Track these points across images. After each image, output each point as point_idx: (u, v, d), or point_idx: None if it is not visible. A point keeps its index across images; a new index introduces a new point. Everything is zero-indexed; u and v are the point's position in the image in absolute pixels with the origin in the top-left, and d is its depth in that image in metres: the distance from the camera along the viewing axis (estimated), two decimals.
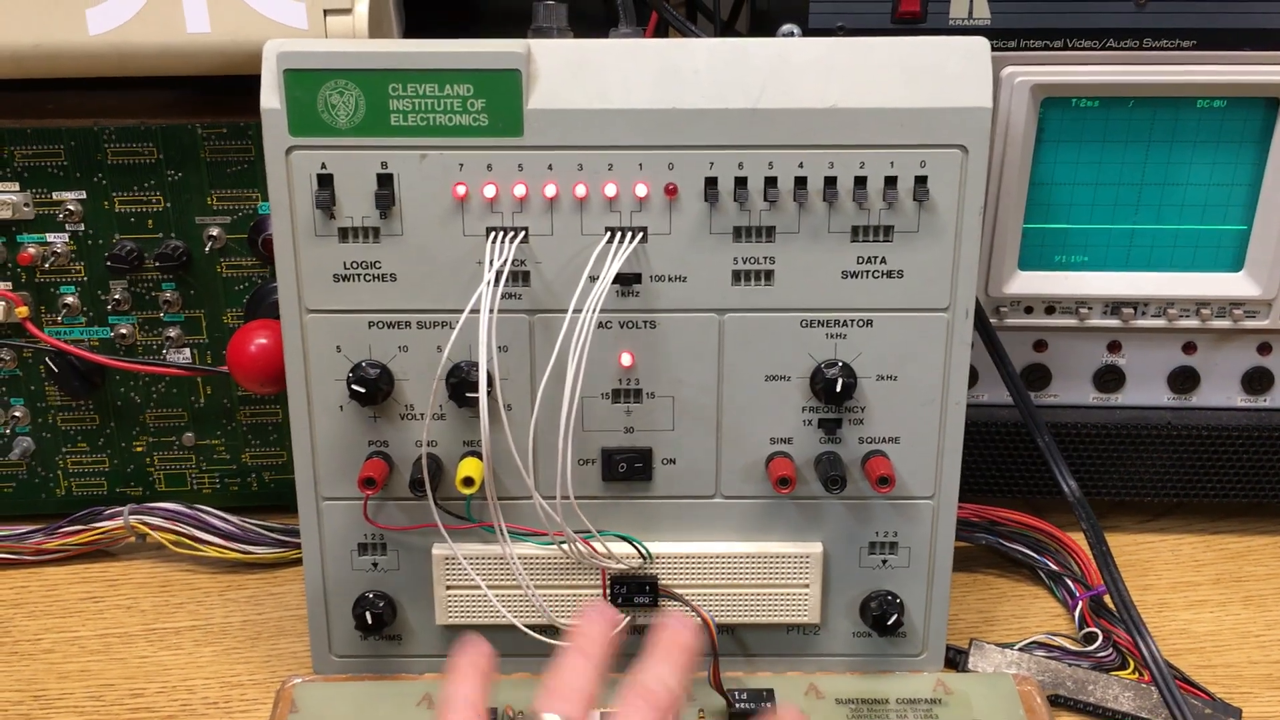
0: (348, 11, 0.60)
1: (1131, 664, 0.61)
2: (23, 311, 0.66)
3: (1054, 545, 0.68)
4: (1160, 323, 0.66)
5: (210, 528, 0.68)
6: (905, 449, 0.57)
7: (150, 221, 0.66)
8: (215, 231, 0.66)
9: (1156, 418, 0.68)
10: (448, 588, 0.58)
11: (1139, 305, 0.66)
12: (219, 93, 0.65)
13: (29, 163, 0.64)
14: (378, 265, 0.55)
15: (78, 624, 0.65)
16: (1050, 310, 0.67)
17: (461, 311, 0.53)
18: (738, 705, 0.57)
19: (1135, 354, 0.68)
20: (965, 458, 0.57)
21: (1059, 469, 0.59)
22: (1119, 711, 0.59)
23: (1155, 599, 0.67)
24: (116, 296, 0.67)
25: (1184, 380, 0.68)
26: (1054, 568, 0.67)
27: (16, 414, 0.69)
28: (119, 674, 0.62)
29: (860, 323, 0.55)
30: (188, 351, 0.68)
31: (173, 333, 0.68)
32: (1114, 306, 0.66)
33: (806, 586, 0.59)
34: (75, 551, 0.69)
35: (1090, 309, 0.66)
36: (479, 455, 0.56)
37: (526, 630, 0.57)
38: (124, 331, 0.67)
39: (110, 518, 0.68)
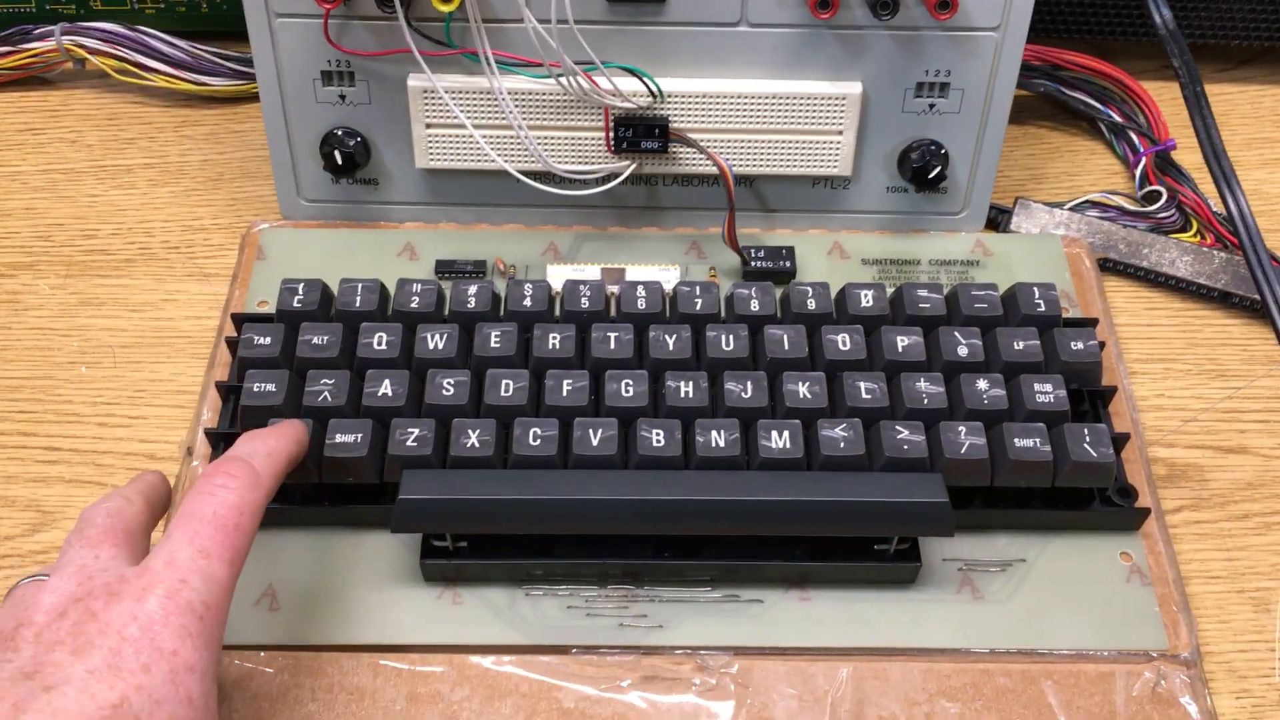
0: None
1: (1195, 226, 0.55)
2: None
3: (1120, 94, 0.60)
4: None
5: (157, 54, 0.59)
6: None
7: None
8: None
9: None
10: (427, 126, 0.51)
11: None
12: None
13: None
14: None
15: (17, 157, 0.58)
16: None
17: None
18: (754, 264, 0.51)
19: None
20: None
21: None
22: (1174, 276, 0.53)
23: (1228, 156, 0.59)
24: None
25: None
26: (1118, 119, 0.59)
27: None
28: (68, 213, 0.56)
29: None
30: None
31: None
32: None
33: (840, 133, 0.51)
34: (6, 78, 0.61)
35: None
36: None
37: (519, 176, 0.50)
38: None
39: (41, 39, 0.59)
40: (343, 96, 0.51)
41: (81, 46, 0.59)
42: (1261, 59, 0.64)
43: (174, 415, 0.49)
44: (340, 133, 0.51)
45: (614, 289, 0.50)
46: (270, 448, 0.39)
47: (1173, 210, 0.55)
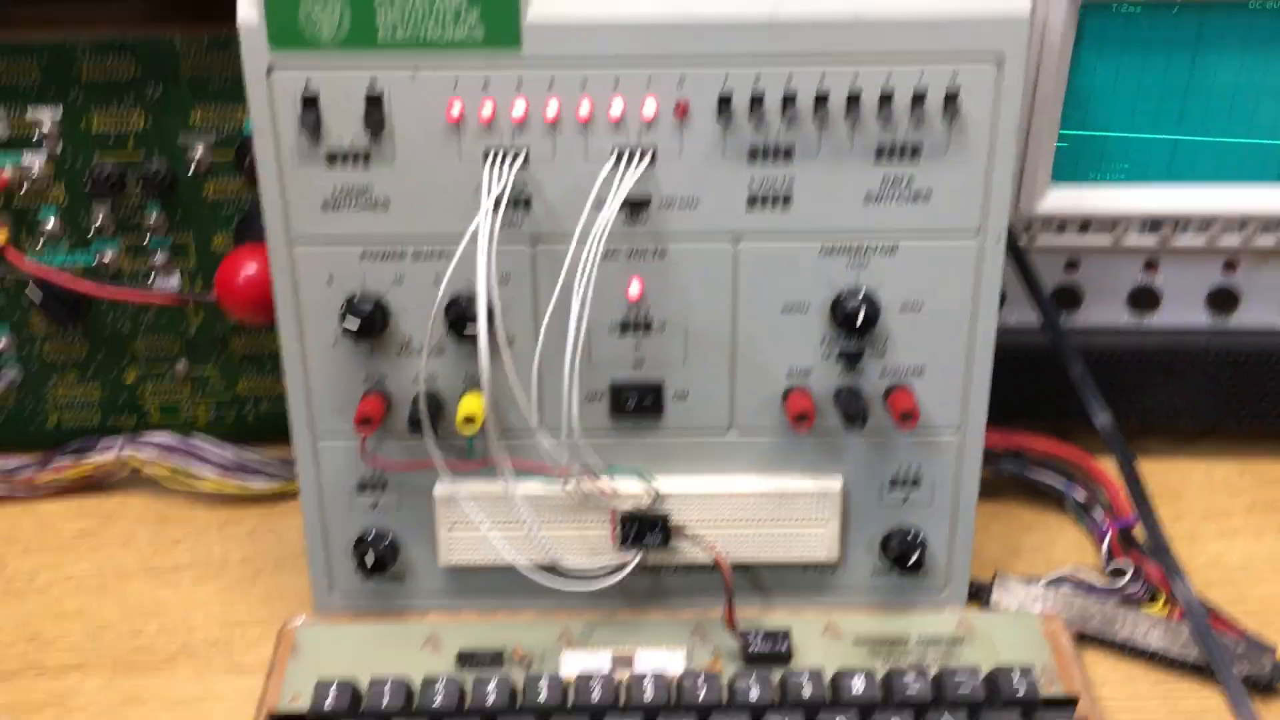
0: None
1: (1162, 599, 0.59)
2: (1, 237, 0.63)
3: (1082, 474, 0.65)
4: (1200, 241, 0.63)
5: (206, 460, 0.66)
6: (930, 381, 0.54)
7: (130, 141, 0.62)
8: (199, 151, 0.62)
9: (1193, 341, 0.65)
10: (450, 528, 0.56)
11: (1179, 222, 0.62)
12: None
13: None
14: (369, 191, 0.51)
15: (73, 560, 0.63)
16: (1084, 228, 0.63)
17: (459, 239, 0.50)
18: (753, 648, 0.55)
19: (1172, 274, 0.64)
20: (991, 384, 0.54)
21: (1092, 403, 0.55)
22: (1148, 649, 0.57)
23: (1186, 528, 0.64)
24: (99, 221, 0.64)
25: (1223, 300, 0.64)
26: (1082, 497, 0.64)
27: (1, 344, 0.66)
28: (116, 613, 0.60)
29: (884, 249, 0.52)
30: (176, 277, 0.65)
31: (159, 258, 0.65)
32: (1152, 224, 0.63)
33: (825, 524, 0.56)
34: (69, 485, 0.67)
35: (1127, 227, 0.63)
36: (481, 391, 0.53)
37: (526, 570, 0.55)
38: (108, 258, 0.64)
39: (103, 450, 0.66)
40: (375, 504, 0.57)
41: (138, 457, 0.65)
42: (1208, 435, 0.70)
43: None
44: (372, 536, 0.57)
45: (624, 675, 0.53)
46: None
47: (1139, 584, 0.59)
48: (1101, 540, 0.62)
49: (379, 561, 0.56)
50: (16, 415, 0.68)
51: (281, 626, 0.58)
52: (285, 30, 0.48)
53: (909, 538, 0.56)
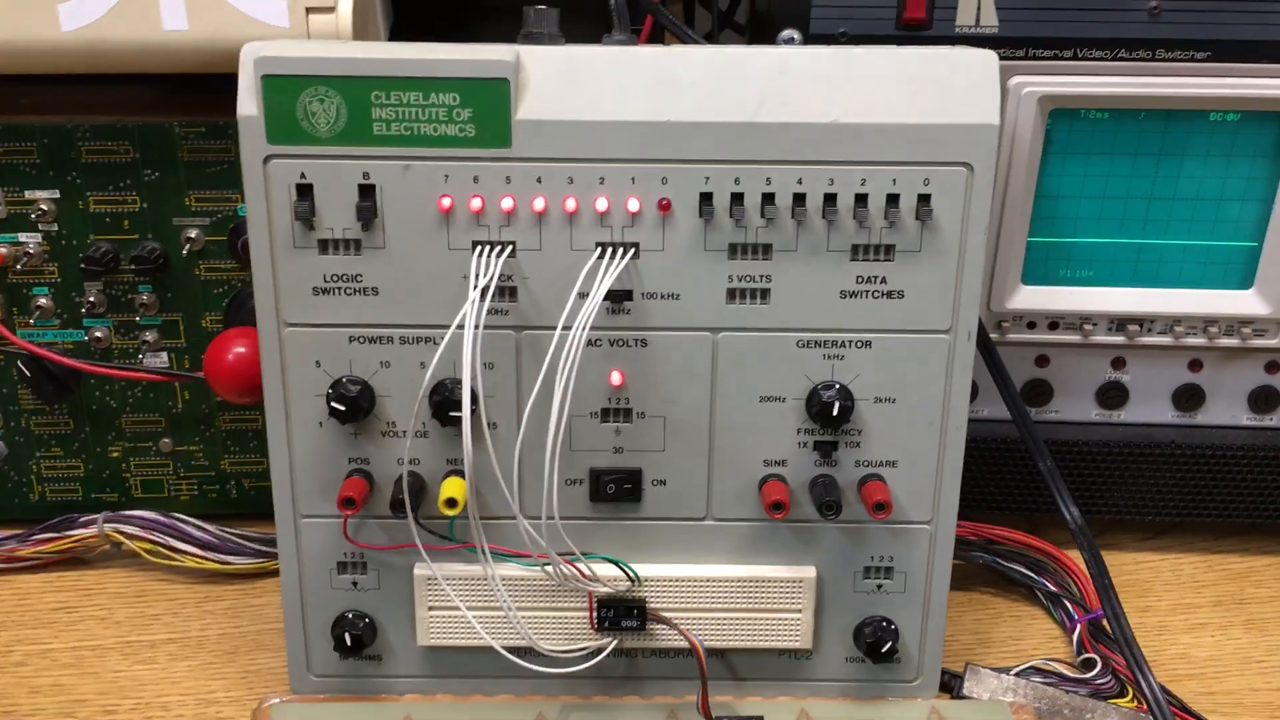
0: (331, 10, 0.57)
1: (1130, 692, 0.60)
2: None
3: (1053, 565, 0.66)
4: (1166, 340, 0.65)
5: (188, 537, 0.66)
6: (903, 473, 0.55)
7: (126, 222, 0.64)
8: (193, 233, 0.64)
9: (1160, 435, 0.67)
10: (429, 608, 0.57)
11: (1145, 322, 0.64)
12: (198, 89, 0.62)
13: (0, 160, 0.62)
14: (359, 278, 0.53)
15: (50, 635, 0.64)
16: (1054, 326, 0.65)
17: (446, 327, 0.51)
18: None
19: (1140, 371, 0.66)
20: (962, 475, 0.56)
21: (1061, 495, 0.57)
22: None
23: (1155, 621, 0.65)
24: (91, 299, 0.65)
25: (1189, 398, 0.66)
26: (1052, 588, 0.65)
27: None
28: (92, 689, 0.60)
29: (859, 344, 0.54)
30: (165, 355, 0.66)
31: (149, 336, 0.66)
32: (1119, 323, 0.65)
33: (799, 611, 0.57)
34: (49, 559, 0.67)
35: (1095, 325, 0.65)
36: (463, 474, 0.54)
37: (503, 652, 0.55)
38: (99, 335, 0.66)
39: (85, 525, 0.66)
40: (355, 583, 0.57)
41: (121, 532, 0.66)
42: (1175, 530, 0.71)
43: None
44: (351, 616, 0.57)
45: None
46: None
47: (1108, 676, 0.60)
48: (1072, 632, 0.63)
49: (357, 641, 0.57)
50: (0, 489, 0.69)
51: (257, 706, 0.58)
52: (284, 125, 0.50)
53: (882, 626, 0.57)
